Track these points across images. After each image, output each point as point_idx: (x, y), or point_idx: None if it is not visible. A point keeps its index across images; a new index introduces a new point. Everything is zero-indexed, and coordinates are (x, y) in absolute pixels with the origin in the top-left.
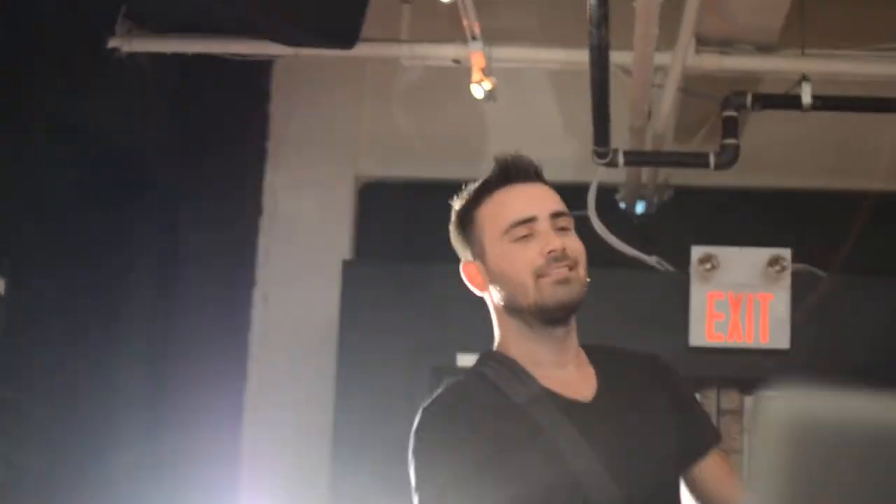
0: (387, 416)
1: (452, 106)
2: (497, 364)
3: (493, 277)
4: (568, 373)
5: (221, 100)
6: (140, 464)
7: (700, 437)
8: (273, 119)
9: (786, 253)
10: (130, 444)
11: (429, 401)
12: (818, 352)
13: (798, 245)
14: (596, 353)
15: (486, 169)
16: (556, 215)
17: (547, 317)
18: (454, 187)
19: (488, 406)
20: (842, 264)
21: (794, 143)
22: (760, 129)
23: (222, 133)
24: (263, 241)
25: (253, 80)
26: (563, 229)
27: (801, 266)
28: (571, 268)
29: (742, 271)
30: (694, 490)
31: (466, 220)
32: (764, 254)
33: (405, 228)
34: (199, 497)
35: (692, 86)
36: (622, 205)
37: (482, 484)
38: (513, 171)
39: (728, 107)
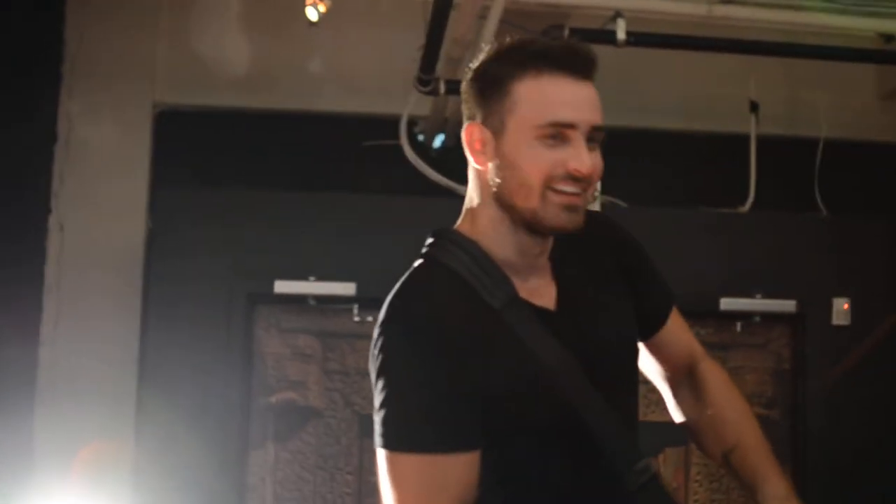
0: (199, 345)
1: (255, 32)
2: (466, 255)
3: (501, 160)
4: (534, 282)
5: (13, 22)
6: None
7: (660, 303)
8: (68, 42)
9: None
10: None
11: (394, 296)
12: None
13: (605, 179)
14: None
15: (289, 98)
16: (596, 129)
17: (537, 230)
18: (255, 116)
19: (464, 310)
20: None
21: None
22: None
23: (14, 55)
24: (58, 168)
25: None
26: (595, 145)
27: (607, 197)
28: (585, 189)
29: None
30: (659, 351)
31: (495, 85)
32: None
33: (204, 157)
34: None
35: (510, 18)
36: (421, 137)
37: (458, 394)
38: (571, 60)
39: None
